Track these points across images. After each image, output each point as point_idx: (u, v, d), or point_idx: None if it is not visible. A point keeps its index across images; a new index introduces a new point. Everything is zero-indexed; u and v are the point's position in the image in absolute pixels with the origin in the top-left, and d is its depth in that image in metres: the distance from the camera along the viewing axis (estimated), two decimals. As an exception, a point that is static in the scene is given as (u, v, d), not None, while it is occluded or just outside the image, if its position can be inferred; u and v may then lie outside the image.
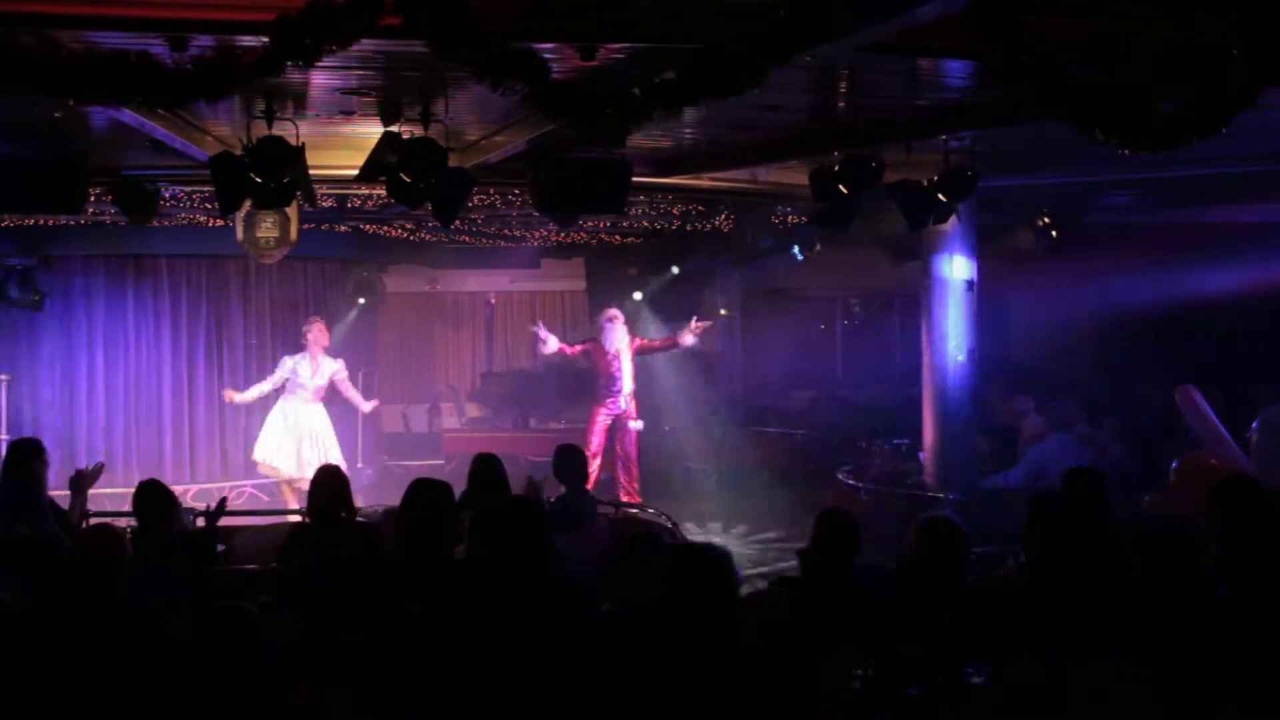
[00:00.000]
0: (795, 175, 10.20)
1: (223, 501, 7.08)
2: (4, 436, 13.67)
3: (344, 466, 12.01)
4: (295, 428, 12.62)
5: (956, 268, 11.03)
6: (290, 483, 12.51)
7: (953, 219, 10.08)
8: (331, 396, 13.40)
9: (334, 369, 12.88)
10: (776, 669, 3.87)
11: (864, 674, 4.25)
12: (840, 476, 12.30)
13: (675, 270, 15.79)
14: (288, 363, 12.73)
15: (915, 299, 11.86)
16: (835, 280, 17.39)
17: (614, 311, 13.08)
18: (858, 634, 4.56)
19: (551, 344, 13.03)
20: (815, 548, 5.12)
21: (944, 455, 11.15)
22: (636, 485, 12.75)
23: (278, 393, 12.88)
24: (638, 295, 16.76)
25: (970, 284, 11.07)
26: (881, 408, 15.82)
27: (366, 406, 13.28)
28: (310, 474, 11.41)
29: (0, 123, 8.17)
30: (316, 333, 12.77)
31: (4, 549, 6.27)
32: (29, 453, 7.09)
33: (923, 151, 9.23)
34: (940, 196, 9.52)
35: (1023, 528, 5.35)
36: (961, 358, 11.04)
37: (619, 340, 12.80)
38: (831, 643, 4.43)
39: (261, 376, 13.42)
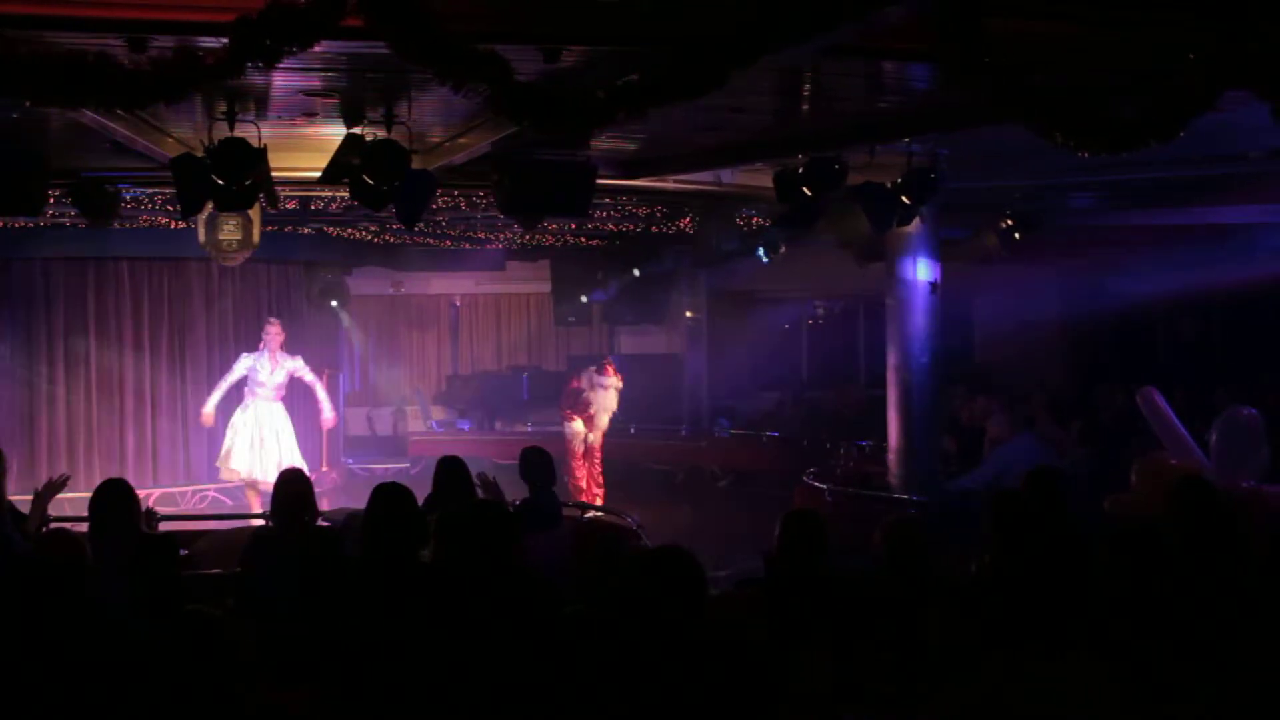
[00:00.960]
0: (760, 177, 10.22)
1: (175, 519, 7.01)
2: (-37, 442, 13.54)
3: (304, 468, 12.03)
4: (257, 428, 12.57)
5: (920, 270, 11.07)
6: (253, 484, 12.45)
7: (916, 221, 10.13)
8: (295, 400, 13.34)
9: (292, 366, 12.88)
10: (742, 670, 3.87)
11: (831, 675, 4.26)
12: (806, 478, 12.33)
13: (636, 273, 15.80)
14: (246, 360, 12.73)
15: (880, 301, 11.91)
16: (800, 282, 17.43)
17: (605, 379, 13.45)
18: (824, 635, 4.57)
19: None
20: (781, 549, 5.12)
21: (909, 456, 11.19)
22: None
23: (239, 397, 12.84)
24: (584, 299, 16.80)
25: (934, 285, 11.12)
26: (847, 410, 15.89)
27: (329, 415, 13.22)
28: (272, 475, 11.47)
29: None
30: (274, 332, 12.77)
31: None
32: (-12, 457, 7.00)
33: (886, 154, 9.28)
34: (904, 199, 9.56)
35: (983, 527, 5.38)
36: (925, 359, 11.09)
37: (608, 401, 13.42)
38: (798, 644, 4.43)
39: (222, 380, 13.37)
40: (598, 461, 13.34)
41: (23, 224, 12.81)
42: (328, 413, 13.17)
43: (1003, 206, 12.22)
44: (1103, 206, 12.98)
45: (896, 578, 5.07)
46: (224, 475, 12.99)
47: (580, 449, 13.38)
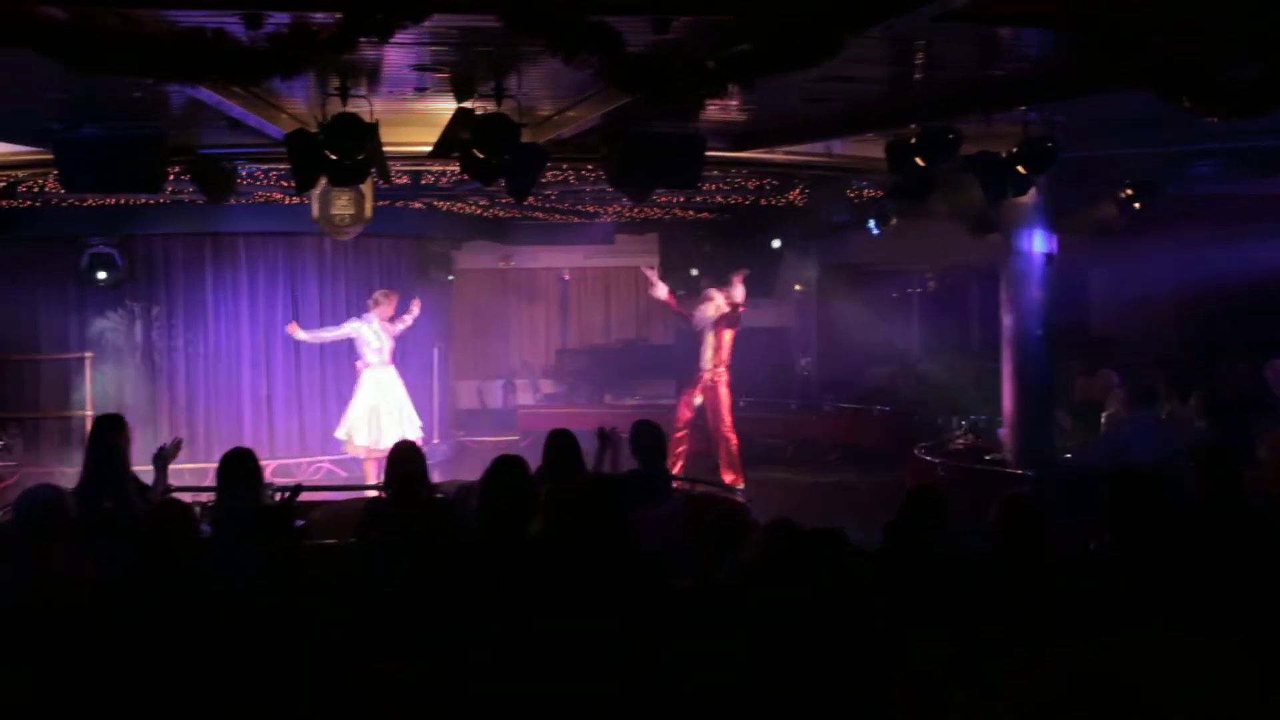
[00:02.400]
0: (871, 148, 10.07)
1: (297, 490, 7.14)
2: (89, 412, 13.94)
3: (420, 433, 12.19)
4: (378, 396, 12.78)
5: (1036, 241, 10.85)
6: (372, 455, 12.63)
7: (1032, 191, 9.91)
8: (405, 372, 13.53)
9: (399, 329, 13.16)
10: (858, 643, 3.84)
11: (946, 650, 4.19)
12: (918, 452, 12.17)
13: (776, 244, 15.69)
14: (354, 324, 12.95)
15: (994, 273, 11.70)
16: (911, 255, 17.18)
17: (711, 291, 13.28)
18: (940, 610, 4.50)
19: (660, 290, 13.44)
20: (902, 522, 5.07)
21: (1024, 431, 11.00)
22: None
23: (353, 373, 13.07)
24: (694, 272, 16.72)
25: (1050, 257, 10.89)
26: (960, 383, 15.65)
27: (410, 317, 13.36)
28: (388, 443, 11.64)
29: (81, 104, 8.29)
30: (388, 303, 13.02)
31: (89, 523, 6.36)
32: (112, 428, 7.19)
33: (1001, 123, 9.07)
34: (1019, 169, 9.36)
35: (1104, 505, 5.25)
36: (1041, 332, 10.88)
37: (708, 315, 13.03)
38: (914, 618, 4.37)
39: (339, 354, 13.61)
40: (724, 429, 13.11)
41: (143, 201, 13.14)
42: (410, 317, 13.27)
43: (1121, 176, 11.89)
44: (1224, 175, 12.58)
45: (1012, 554, 4.98)
46: (347, 450, 13.20)
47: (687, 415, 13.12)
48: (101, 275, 13.88)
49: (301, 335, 13.12)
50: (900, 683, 3.94)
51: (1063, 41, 6.86)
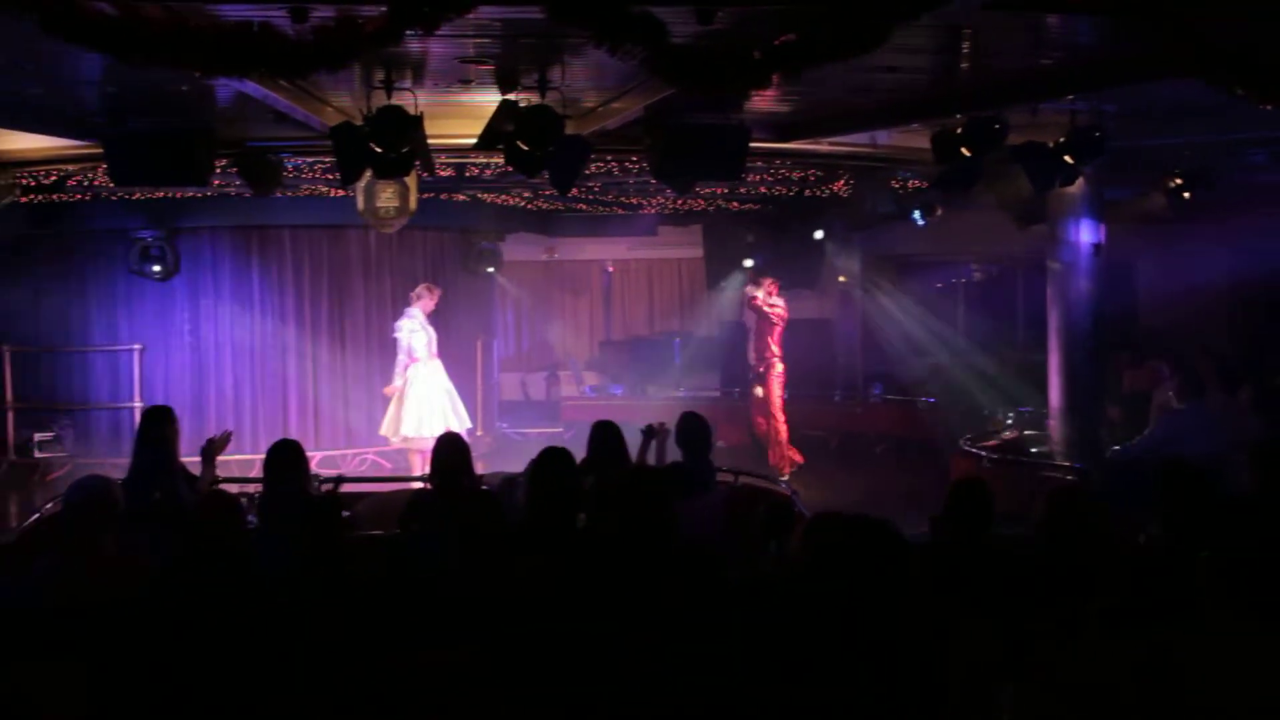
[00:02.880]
0: (916, 139, 10.00)
1: (341, 481, 7.19)
2: (137, 404, 14.09)
3: (467, 424, 12.23)
4: (425, 390, 12.83)
5: (1083, 231, 10.75)
6: (418, 446, 12.67)
7: (1079, 181, 9.81)
8: (449, 364, 13.57)
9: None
10: (908, 637, 3.81)
11: (995, 643, 4.16)
12: (964, 445, 12.10)
13: (819, 234, 15.63)
14: (408, 325, 12.94)
15: (1040, 263, 11.60)
16: (956, 245, 17.07)
17: (746, 290, 14.00)
18: (989, 602, 4.47)
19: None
20: (949, 516, 5.04)
21: (1071, 423, 10.91)
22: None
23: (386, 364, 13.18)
24: (748, 262, 16.66)
25: (1097, 247, 10.78)
26: (1005, 375, 15.54)
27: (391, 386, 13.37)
28: (436, 433, 11.72)
29: (129, 98, 8.36)
30: (429, 298, 13.07)
31: (139, 513, 6.43)
32: (161, 419, 7.26)
33: (1048, 112, 8.99)
34: (1067, 158, 9.27)
35: (1155, 497, 5.20)
36: (1088, 323, 10.78)
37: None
38: (963, 611, 4.34)
39: (384, 347, 13.66)
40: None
41: (190, 194, 13.24)
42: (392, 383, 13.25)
43: (1171, 165, 11.76)
44: (1277, 164, 12.41)
45: (1059, 547, 4.94)
46: (393, 441, 13.24)
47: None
48: (150, 268, 14.01)
49: (399, 381, 13.06)
50: (950, 676, 3.91)
51: (1113, 29, 6.78)
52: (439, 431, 12.13)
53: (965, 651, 4.01)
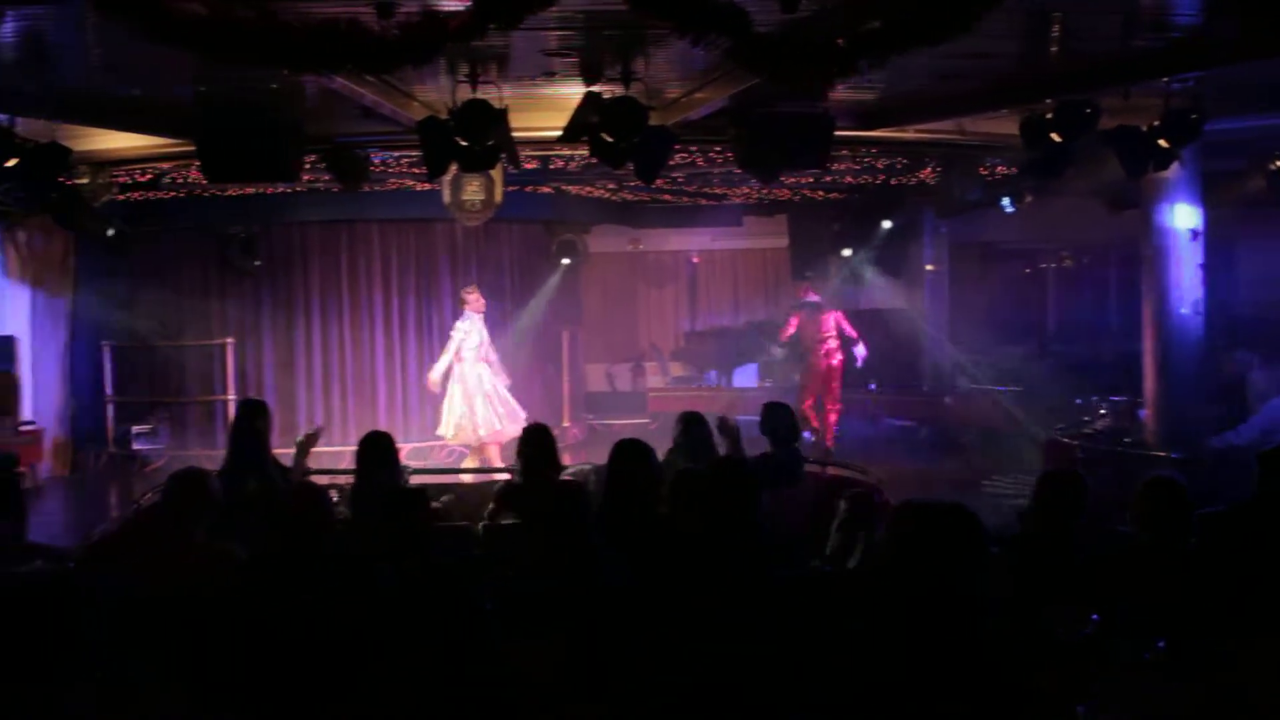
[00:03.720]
0: (1005, 125, 9.86)
1: (428, 473, 7.21)
2: (231, 396, 14.34)
3: (519, 421, 12.33)
4: (476, 390, 12.87)
5: (1179, 216, 10.52)
6: (483, 444, 12.77)
7: (1175, 165, 9.61)
8: (537, 359, 13.65)
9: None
10: (998, 630, 3.75)
11: (1088, 637, 4.09)
12: (1056, 434, 11.91)
13: (887, 225, 15.47)
14: (461, 328, 12.99)
15: (1133, 250, 11.38)
16: (1046, 232, 16.82)
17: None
18: (1081, 595, 4.39)
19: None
20: (1038, 507, 4.96)
21: (1167, 413, 10.70)
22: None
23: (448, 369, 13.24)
24: (846, 252, 16.52)
25: (1195, 233, 10.55)
26: (1097, 364, 15.28)
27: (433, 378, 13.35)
28: (495, 429, 11.82)
29: (220, 95, 8.49)
30: (476, 299, 13.07)
31: (233, 505, 6.53)
32: (255, 412, 7.37)
33: (1142, 95, 8.80)
34: (1161, 142, 9.07)
35: (1255, 488, 5.08)
36: (1185, 310, 10.55)
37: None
38: (1054, 604, 4.27)
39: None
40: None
41: (281, 190, 13.44)
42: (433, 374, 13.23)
43: (1271, 147, 11.46)
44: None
45: (1156, 539, 4.83)
46: (452, 443, 13.29)
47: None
48: (242, 263, 14.24)
49: (436, 379, 13.12)
50: (1044, 666, 3.85)
51: (1211, 7, 6.62)
52: (479, 430, 12.38)
53: (1056, 646, 3.95)
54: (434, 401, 14.94)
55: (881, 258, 15.71)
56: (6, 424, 13.13)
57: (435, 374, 12.98)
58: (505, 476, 7.65)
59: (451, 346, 13.01)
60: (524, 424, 12.17)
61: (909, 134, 10.46)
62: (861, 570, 4.62)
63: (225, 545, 5.01)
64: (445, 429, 12.99)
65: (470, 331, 12.94)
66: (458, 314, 14.74)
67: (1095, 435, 11.88)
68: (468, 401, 12.79)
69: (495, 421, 12.62)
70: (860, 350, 14.23)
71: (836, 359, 14.20)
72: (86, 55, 7.42)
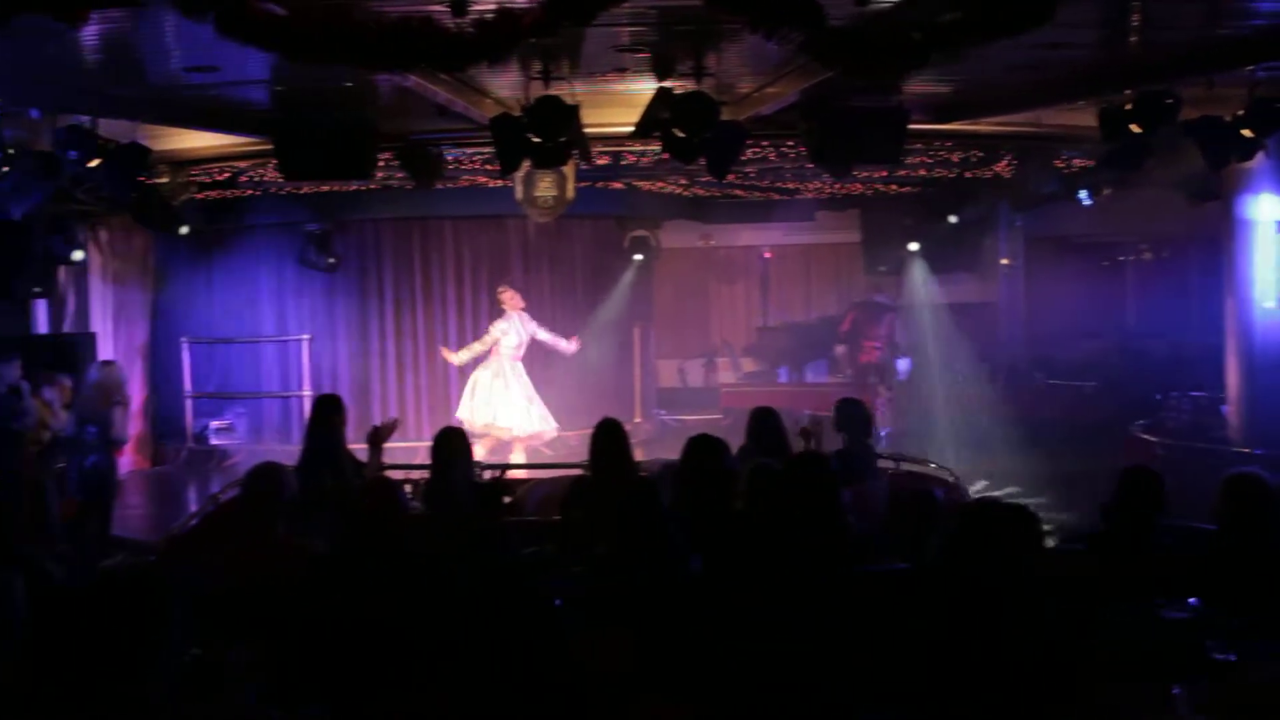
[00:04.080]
0: (1082, 116, 9.70)
1: (505, 468, 7.26)
2: (307, 392, 14.50)
3: (545, 420, 12.47)
4: (511, 386, 12.99)
5: (1264, 207, 10.31)
6: (516, 439, 13.00)
7: (1259, 155, 9.42)
8: (604, 349, 13.70)
9: (532, 328, 13.37)
10: (1076, 628, 3.71)
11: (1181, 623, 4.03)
12: (1135, 431, 11.73)
13: (953, 219, 15.30)
14: (500, 325, 13.21)
15: (1215, 242, 11.18)
16: (1125, 225, 16.57)
17: None
18: (1163, 594, 4.33)
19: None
20: (1119, 504, 4.89)
21: (1251, 408, 10.51)
22: None
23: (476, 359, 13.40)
24: (913, 246, 16.38)
25: (1279, 224, 10.35)
26: (1178, 358, 15.02)
27: (568, 346, 13.58)
28: (505, 422, 12.04)
29: (296, 94, 8.59)
30: (511, 297, 13.30)
31: (310, 499, 6.60)
32: (331, 407, 7.44)
33: (1225, 85, 8.62)
34: (1245, 132, 8.88)
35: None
36: (1271, 304, 10.34)
37: None
38: (1135, 602, 4.21)
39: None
40: None
41: (355, 187, 13.57)
42: (565, 346, 13.51)
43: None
44: None
45: (1239, 537, 4.75)
46: (480, 431, 13.36)
47: None
48: (317, 260, 14.39)
49: (456, 359, 13.38)
50: (1124, 665, 3.80)
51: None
52: (502, 422, 12.46)
53: (1136, 644, 3.89)
54: (507, 396, 15.05)
55: (956, 252, 15.53)
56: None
57: (460, 357, 13.32)
58: (577, 472, 7.67)
59: (487, 340, 13.20)
60: (555, 428, 12.42)
61: (984, 126, 10.34)
62: (931, 567, 4.57)
63: (302, 540, 5.06)
64: (463, 412, 13.16)
65: (508, 331, 13.04)
66: (530, 308, 14.82)
67: (1175, 431, 11.69)
68: (499, 395, 12.94)
69: (535, 421, 13.06)
70: (903, 364, 14.27)
71: (875, 356, 14.52)
72: (167, 57, 7.53)
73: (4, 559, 4.22)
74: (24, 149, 9.04)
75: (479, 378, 13.23)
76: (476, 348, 13.35)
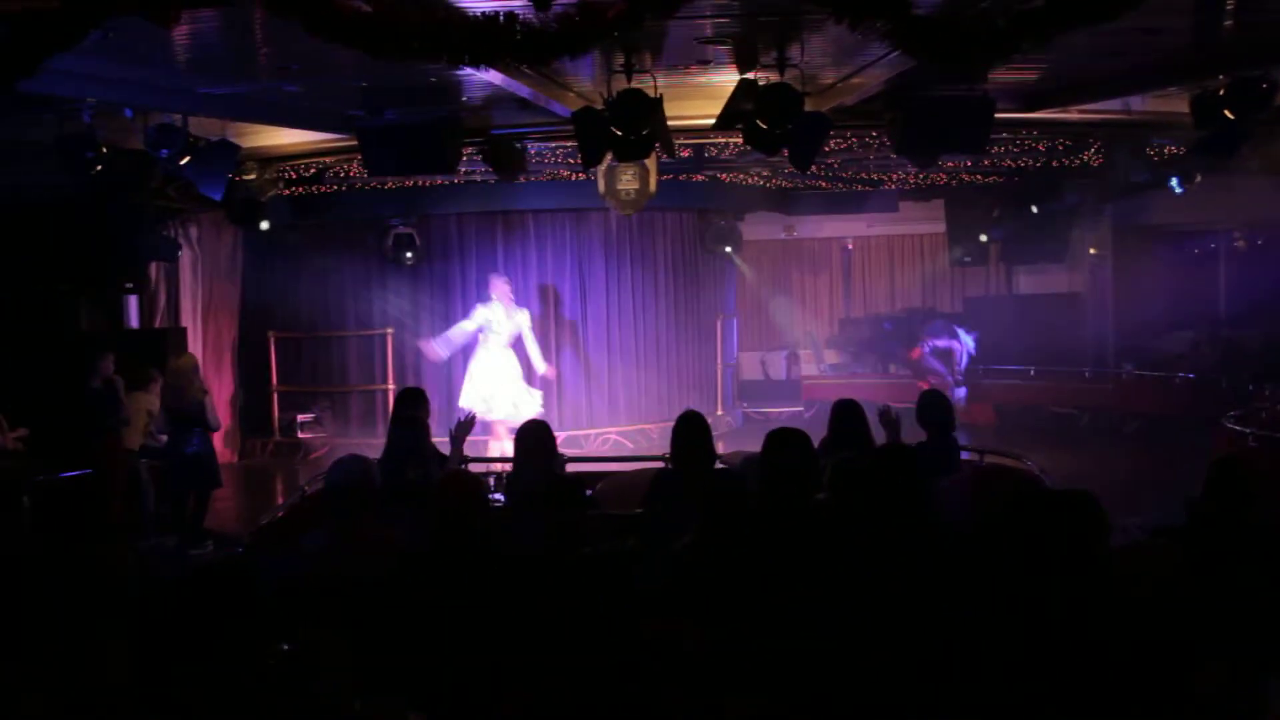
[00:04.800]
0: (1173, 103, 9.52)
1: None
2: (390, 385, 14.65)
3: (533, 406, 12.45)
4: (500, 374, 12.95)
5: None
6: (502, 423, 12.95)
7: (1357, 141, 9.19)
8: (691, 343, 13.66)
9: (523, 318, 13.30)
10: (1160, 624, 3.64)
11: (1259, 635, 3.94)
12: (1227, 422, 11.49)
13: (1034, 209, 15.08)
14: (482, 311, 13.17)
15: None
16: (1217, 213, 16.23)
17: None
18: (1251, 592, 4.22)
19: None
20: (1207, 497, 4.78)
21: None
22: None
23: (467, 350, 13.39)
24: (983, 238, 16.23)
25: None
26: (1273, 348, 14.70)
27: (542, 367, 13.43)
28: (525, 415, 11.93)
29: (381, 92, 8.68)
30: (500, 285, 13.20)
31: (393, 492, 6.67)
32: (414, 400, 7.51)
33: (1320, 68, 8.43)
34: (1341, 117, 8.67)
35: None
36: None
37: None
38: (1223, 600, 4.12)
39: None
40: None
41: (440, 182, 13.69)
42: (540, 367, 13.36)
43: None
44: None
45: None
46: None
47: None
48: (403, 254, 14.52)
49: (438, 349, 13.44)
50: (1209, 664, 3.72)
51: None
52: (513, 413, 12.47)
53: (1223, 644, 3.81)
54: (589, 389, 15.11)
55: (1042, 242, 15.32)
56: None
57: (440, 349, 13.41)
58: (659, 465, 7.67)
59: (468, 321, 13.20)
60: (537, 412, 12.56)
61: (1072, 115, 10.19)
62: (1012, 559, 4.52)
63: (388, 533, 5.11)
64: (465, 400, 13.15)
65: (499, 320, 13.04)
66: (612, 301, 14.86)
67: (1269, 422, 11.43)
68: (498, 384, 13.00)
69: (512, 407, 12.88)
70: (961, 393, 14.48)
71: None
72: (256, 55, 7.64)
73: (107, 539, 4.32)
74: (117, 148, 9.22)
75: (474, 369, 13.23)
76: (467, 326, 13.31)
